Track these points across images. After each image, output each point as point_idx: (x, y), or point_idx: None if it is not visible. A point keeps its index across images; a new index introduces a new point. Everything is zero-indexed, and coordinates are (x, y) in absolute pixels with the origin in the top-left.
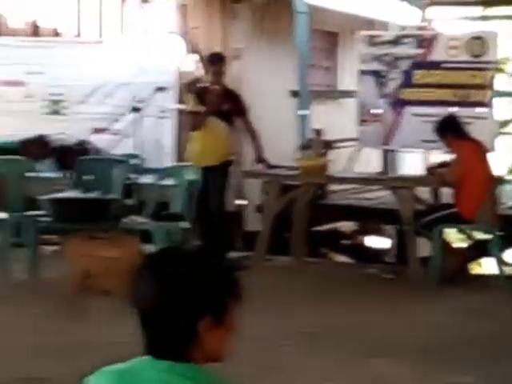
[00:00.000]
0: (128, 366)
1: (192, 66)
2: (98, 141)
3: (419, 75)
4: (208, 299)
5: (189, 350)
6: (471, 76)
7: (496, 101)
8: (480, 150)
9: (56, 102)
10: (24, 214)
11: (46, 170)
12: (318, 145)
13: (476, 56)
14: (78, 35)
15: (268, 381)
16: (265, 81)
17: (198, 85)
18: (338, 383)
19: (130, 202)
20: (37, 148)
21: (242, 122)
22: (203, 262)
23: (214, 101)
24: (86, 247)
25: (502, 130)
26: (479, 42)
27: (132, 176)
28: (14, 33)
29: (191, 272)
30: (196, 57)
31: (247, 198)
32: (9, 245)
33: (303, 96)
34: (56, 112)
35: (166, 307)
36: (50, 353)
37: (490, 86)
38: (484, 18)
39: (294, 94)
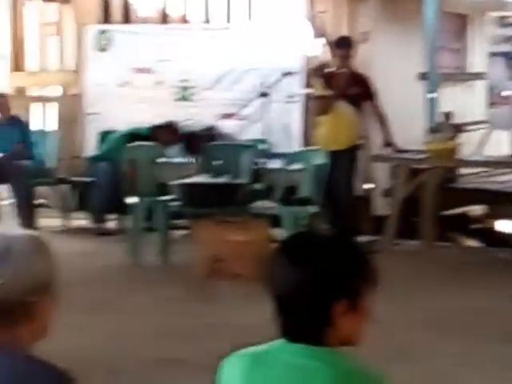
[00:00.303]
0: (263, 349)
1: (319, 50)
2: (226, 126)
3: None
4: (343, 284)
5: (324, 334)
6: None
7: None
8: None
9: (185, 89)
10: (155, 198)
11: (176, 156)
12: (447, 128)
13: None
14: (207, 22)
15: (395, 366)
16: (393, 64)
17: (326, 69)
18: (467, 369)
19: (258, 186)
20: (167, 134)
21: (369, 106)
22: (338, 247)
23: (341, 85)
24: (215, 231)
25: None
26: None
27: (260, 161)
28: (143, 21)
29: (327, 257)
30: (323, 41)
31: (375, 182)
32: (140, 229)
33: (432, 79)
34: (185, 98)
35: (302, 292)
36: (181, 335)
37: None
38: None
39: (423, 76)
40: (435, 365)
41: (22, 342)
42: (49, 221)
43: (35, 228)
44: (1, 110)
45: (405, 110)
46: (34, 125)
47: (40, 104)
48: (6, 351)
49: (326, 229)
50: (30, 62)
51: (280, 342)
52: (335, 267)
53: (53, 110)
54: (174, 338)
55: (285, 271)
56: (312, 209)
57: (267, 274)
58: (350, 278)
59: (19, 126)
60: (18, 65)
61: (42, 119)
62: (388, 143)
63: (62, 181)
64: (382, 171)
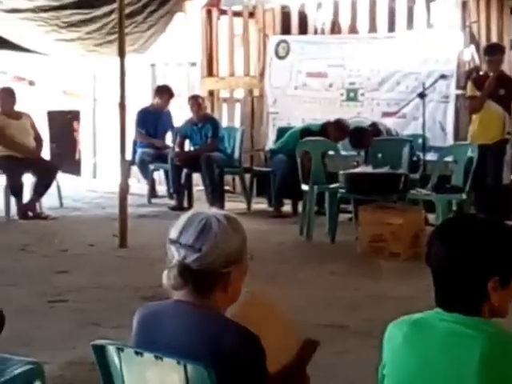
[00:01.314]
0: (421, 317)
1: (471, 56)
2: (389, 123)
3: None
4: (496, 262)
5: (477, 306)
6: None
7: None
8: None
9: (353, 90)
10: (325, 186)
11: (344, 149)
12: None
13: None
14: (373, 31)
15: None
16: None
17: (477, 73)
18: None
19: (415, 176)
20: (336, 130)
21: None
22: (492, 229)
23: (491, 87)
24: (376, 215)
25: None
26: None
27: (418, 153)
28: (317, 31)
29: (482, 237)
30: (475, 48)
31: None
32: (312, 212)
33: None
34: (353, 99)
35: (458, 267)
36: (346, 305)
37: None
38: None
39: None
40: None
41: (215, 305)
42: (234, 204)
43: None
44: (197, 110)
45: None
46: (223, 122)
47: (228, 104)
48: (204, 311)
49: (476, 214)
50: (221, 68)
51: (436, 311)
52: (489, 247)
53: (239, 109)
54: (339, 308)
55: (443, 251)
56: (462, 196)
57: (427, 253)
58: (502, 257)
59: (211, 123)
60: (209, 71)
61: (230, 118)
62: None
63: (245, 170)
64: None
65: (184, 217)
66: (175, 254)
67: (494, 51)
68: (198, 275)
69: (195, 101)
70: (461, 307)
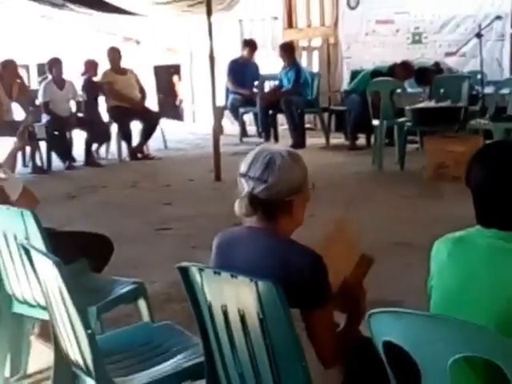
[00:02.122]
0: (463, 233)
1: None
2: (450, 62)
3: None
4: None
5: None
6: None
7: None
8: None
9: (417, 34)
10: (394, 120)
11: (410, 87)
12: None
13: None
14: None
15: None
16: None
17: None
18: None
19: (475, 108)
20: (402, 70)
21: None
22: None
23: None
24: (440, 144)
25: None
26: None
27: (476, 88)
28: None
29: None
30: None
31: None
32: (383, 144)
33: None
34: (417, 42)
35: (494, 185)
36: (412, 224)
37: None
38: None
39: None
40: None
41: (282, 230)
42: (314, 140)
43: (304, 146)
44: (287, 57)
45: None
46: (304, 68)
47: (307, 52)
48: (273, 234)
49: None
50: (299, 20)
51: (476, 228)
52: None
53: (317, 56)
54: (407, 226)
55: (480, 171)
56: None
57: (467, 174)
58: None
59: (295, 69)
60: (289, 23)
61: (309, 64)
62: None
63: (324, 109)
64: None
65: (251, 153)
66: (245, 186)
67: None
68: (265, 204)
69: (281, 49)
70: (498, 223)
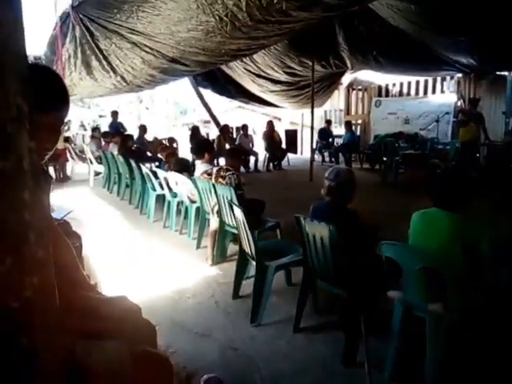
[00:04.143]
0: (427, 210)
1: (460, 103)
2: (422, 133)
3: None
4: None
5: (456, 205)
6: None
7: None
8: None
9: (407, 119)
10: (393, 158)
11: (402, 143)
12: None
13: None
14: (416, 95)
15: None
16: None
17: (462, 110)
18: None
19: (433, 155)
20: (400, 136)
21: None
22: (457, 176)
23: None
24: (414, 171)
25: None
26: None
27: (435, 145)
28: (391, 95)
29: (454, 181)
30: (462, 100)
31: None
32: (388, 169)
33: None
34: (407, 123)
35: (439, 189)
36: (398, 205)
37: None
38: None
39: None
40: None
41: (344, 204)
42: (356, 165)
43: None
44: (348, 127)
45: None
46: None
47: (355, 125)
48: (336, 204)
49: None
50: (352, 110)
51: (433, 208)
52: (457, 186)
53: (359, 127)
54: (397, 206)
55: (435, 182)
56: None
57: (430, 184)
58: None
59: (351, 132)
60: (348, 112)
61: (356, 131)
62: None
63: (361, 152)
64: None
65: (330, 168)
66: (326, 183)
67: (472, 102)
68: (335, 190)
69: (345, 124)
70: (442, 206)
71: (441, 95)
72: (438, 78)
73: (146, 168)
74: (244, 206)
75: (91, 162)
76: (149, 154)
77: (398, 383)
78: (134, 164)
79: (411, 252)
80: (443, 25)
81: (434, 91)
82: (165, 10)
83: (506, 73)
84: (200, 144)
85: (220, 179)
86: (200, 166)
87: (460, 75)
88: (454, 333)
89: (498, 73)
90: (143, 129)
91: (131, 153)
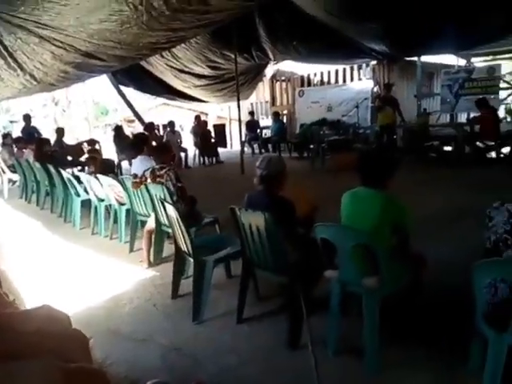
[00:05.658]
0: (355, 189)
1: (376, 89)
2: (344, 119)
3: None
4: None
5: (380, 185)
6: None
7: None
8: None
9: (330, 107)
10: (319, 144)
11: (327, 130)
12: (424, 113)
13: None
14: (336, 83)
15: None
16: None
17: (378, 96)
18: None
19: (355, 139)
20: (322, 123)
21: None
22: (383, 155)
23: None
24: (339, 156)
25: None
26: None
27: (356, 130)
28: (313, 84)
29: (380, 158)
30: (378, 86)
31: None
32: (315, 155)
33: (419, 96)
34: (330, 110)
35: (365, 168)
36: (329, 187)
37: None
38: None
39: (416, 96)
40: None
41: (276, 191)
42: (285, 154)
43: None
44: (275, 118)
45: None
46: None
47: (282, 115)
48: (270, 193)
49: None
50: (278, 102)
51: (360, 187)
52: (383, 162)
53: (285, 117)
54: (327, 187)
55: (361, 163)
56: None
57: (357, 164)
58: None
59: (280, 122)
60: (273, 103)
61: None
62: None
63: (287, 141)
64: None
65: (261, 157)
66: (258, 172)
67: (386, 87)
68: (266, 179)
69: (273, 114)
70: (367, 184)
71: (359, 82)
72: (355, 66)
73: (67, 173)
74: (189, 197)
75: (3, 172)
76: (69, 158)
77: (341, 358)
78: (53, 170)
79: (344, 231)
80: (354, 12)
81: (352, 79)
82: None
83: (415, 58)
84: (138, 138)
85: (158, 179)
86: (140, 160)
87: (374, 62)
88: (388, 303)
89: (407, 58)
90: (61, 132)
91: (49, 158)
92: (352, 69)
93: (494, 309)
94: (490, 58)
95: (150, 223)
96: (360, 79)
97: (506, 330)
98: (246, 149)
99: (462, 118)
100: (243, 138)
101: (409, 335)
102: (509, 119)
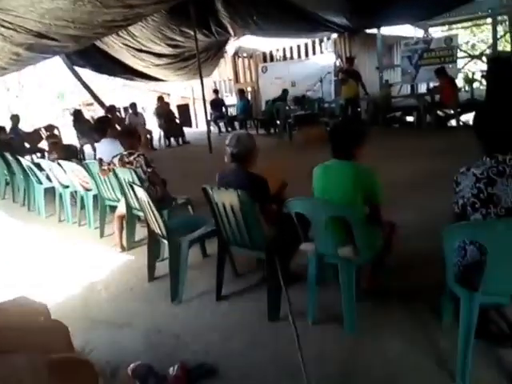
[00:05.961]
0: (327, 162)
1: (339, 63)
2: (309, 94)
3: None
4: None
5: (351, 155)
6: None
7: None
8: None
9: (293, 82)
10: (286, 120)
11: (291, 105)
12: (386, 85)
13: None
14: (299, 57)
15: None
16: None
17: (341, 69)
18: None
19: (320, 113)
20: (283, 95)
21: None
22: (352, 124)
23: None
24: (306, 129)
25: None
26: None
27: (321, 104)
28: (276, 59)
29: (350, 128)
30: (340, 60)
31: None
32: (281, 131)
33: (381, 68)
34: (292, 85)
35: (336, 140)
36: (297, 159)
37: None
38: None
39: (378, 68)
40: None
41: (246, 168)
42: (252, 131)
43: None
44: (240, 95)
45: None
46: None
47: (246, 93)
48: (242, 170)
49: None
50: (241, 79)
51: (332, 160)
52: (352, 133)
53: (249, 94)
54: (297, 160)
55: (332, 135)
56: None
57: (329, 136)
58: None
59: (245, 100)
60: (237, 80)
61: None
62: None
63: (254, 118)
64: None
65: (229, 135)
66: (228, 150)
67: (348, 60)
68: (237, 156)
69: (238, 92)
70: (339, 157)
71: (321, 56)
72: (317, 40)
73: (26, 161)
74: (161, 180)
75: None
76: (27, 145)
77: (320, 326)
78: (10, 157)
79: (318, 204)
80: None
81: (314, 53)
82: None
83: (375, 31)
84: (101, 121)
85: (128, 165)
86: (105, 143)
87: (335, 35)
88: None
89: (368, 31)
90: (16, 119)
91: (5, 146)
92: (314, 43)
93: (464, 270)
94: (447, 27)
95: (120, 208)
96: (322, 53)
97: (477, 289)
98: (212, 128)
99: (423, 88)
100: (209, 117)
101: (383, 297)
102: (467, 88)
